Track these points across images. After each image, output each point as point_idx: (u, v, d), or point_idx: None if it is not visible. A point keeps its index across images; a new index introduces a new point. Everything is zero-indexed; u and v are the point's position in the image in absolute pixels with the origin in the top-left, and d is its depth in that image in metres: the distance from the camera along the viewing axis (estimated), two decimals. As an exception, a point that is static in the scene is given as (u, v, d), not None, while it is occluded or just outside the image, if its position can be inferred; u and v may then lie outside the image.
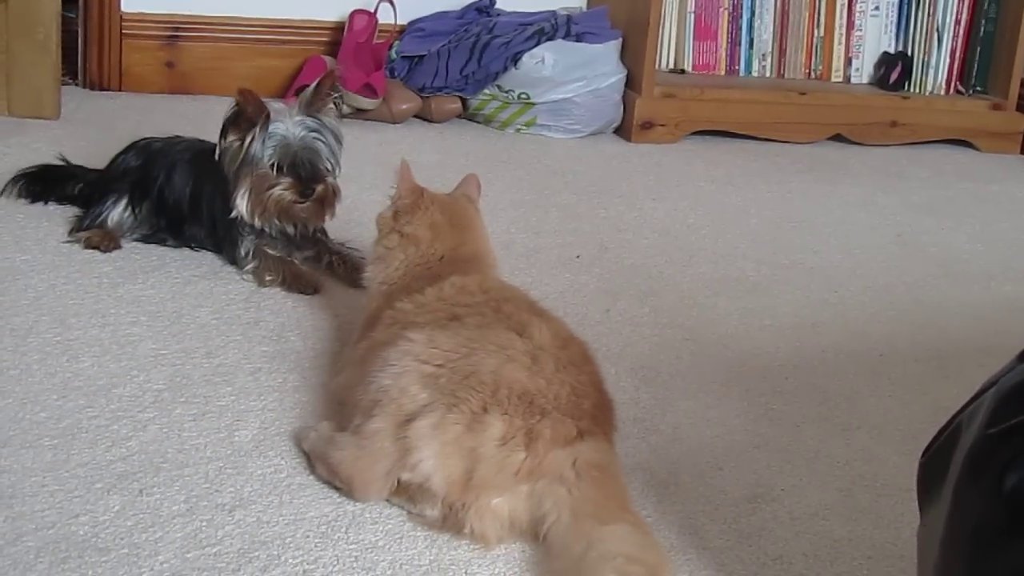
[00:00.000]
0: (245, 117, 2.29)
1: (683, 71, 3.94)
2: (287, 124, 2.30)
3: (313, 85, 2.35)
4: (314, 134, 2.32)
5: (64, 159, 2.70)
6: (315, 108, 2.33)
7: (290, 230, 2.36)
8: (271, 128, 2.28)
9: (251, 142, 2.28)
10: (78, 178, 2.64)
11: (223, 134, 2.32)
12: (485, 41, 3.61)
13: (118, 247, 2.42)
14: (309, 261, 2.42)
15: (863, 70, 4.10)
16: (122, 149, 2.56)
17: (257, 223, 2.33)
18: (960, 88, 4.13)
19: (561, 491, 1.57)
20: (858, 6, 4.05)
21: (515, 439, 1.57)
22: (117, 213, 2.46)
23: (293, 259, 2.39)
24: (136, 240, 2.47)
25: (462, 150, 3.43)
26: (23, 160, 2.86)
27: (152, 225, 2.47)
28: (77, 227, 2.47)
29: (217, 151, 2.33)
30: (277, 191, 2.29)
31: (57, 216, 2.55)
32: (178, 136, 2.56)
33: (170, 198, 2.44)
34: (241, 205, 2.31)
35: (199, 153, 2.46)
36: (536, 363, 1.64)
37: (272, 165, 2.29)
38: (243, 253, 2.36)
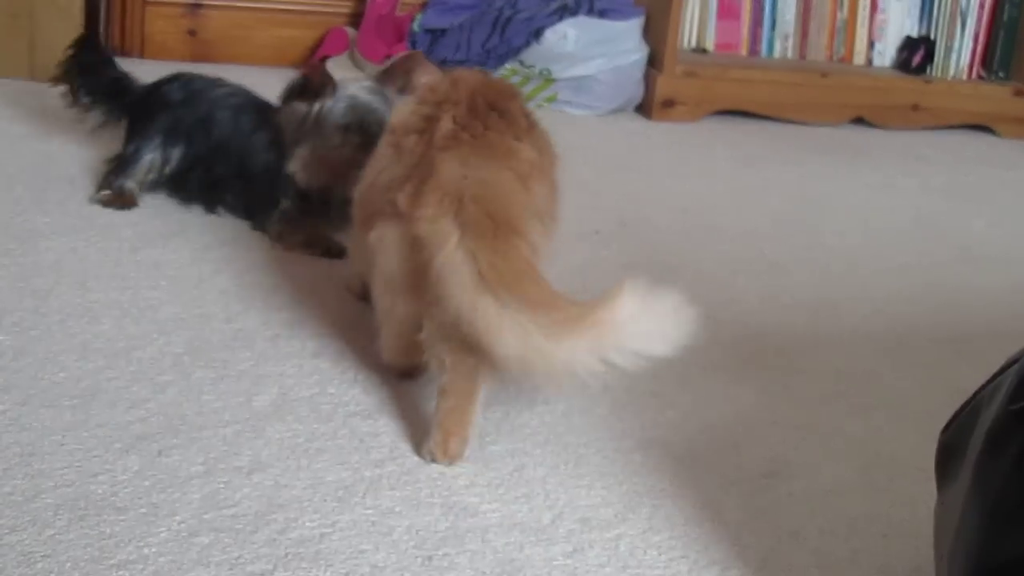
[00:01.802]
0: (310, 90, 2.30)
1: (705, 50, 3.93)
2: (356, 88, 2.32)
3: (394, 62, 2.37)
4: (379, 97, 2.33)
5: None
6: (385, 83, 2.34)
7: (336, 192, 2.36)
8: (342, 91, 2.30)
9: (320, 107, 2.29)
10: (124, 89, 2.62)
11: (286, 100, 2.34)
12: (508, 16, 3.60)
13: (135, 205, 2.43)
14: (334, 226, 2.41)
15: (886, 53, 4.09)
16: (166, 77, 2.56)
17: (310, 183, 2.33)
18: (982, 73, 4.11)
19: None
20: (882, -12, 4.04)
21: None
22: (147, 161, 2.47)
23: (319, 224, 2.39)
24: (161, 189, 2.49)
25: (482, 124, 3.42)
26: (45, 125, 2.87)
27: (181, 174, 2.48)
28: (105, 184, 2.48)
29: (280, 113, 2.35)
30: (345, 150, 2.29)
31: (78, 179, 2.56)
32: (221, 79, 2.56)
33: (205, 146, 2.45)
34: (297, 163, 2.31)
35: (244, 103, 2.49)
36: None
37: (341, 126, 2.29)
38: (277, 211, 2.37)
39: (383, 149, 1.81)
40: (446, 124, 1.72)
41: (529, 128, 1.81)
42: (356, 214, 1.89)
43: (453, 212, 1.60)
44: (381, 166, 1.78)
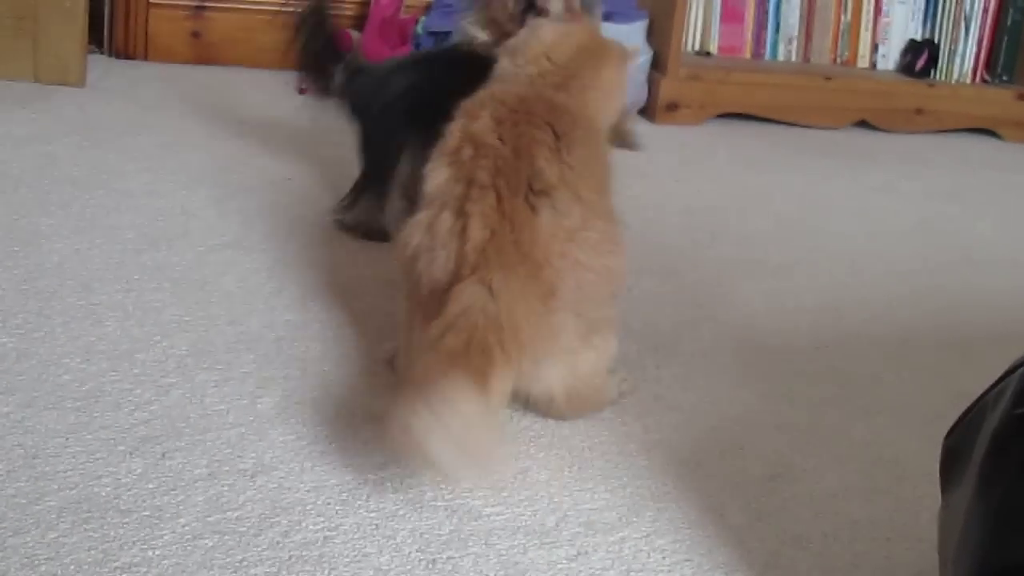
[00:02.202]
0: None
1: (709, 54, 3.93)
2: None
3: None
4: None
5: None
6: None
7: None
8: None
9: None
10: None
11: None
12: (511, 18, 3.60)
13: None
14: None
15: (889, 56, 4.09)
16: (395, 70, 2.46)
17: None
18: (986, 77, 4.11)
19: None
20: (886, -8, 4.04)
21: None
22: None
23: None
24: None
25: (486, 127, 3.42)
26: (49, 127, 2.87)
27: None
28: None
29: None
30: None
31: (82, 181, 2.56)
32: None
33: None
34: None
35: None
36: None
37: None
38: None
39: (422, 220, 1.78)
40: (477, 230, 1.70)
41: (561, 177, 1.77)
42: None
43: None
44: (419, 241, 1.76)
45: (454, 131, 1.79)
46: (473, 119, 1.80)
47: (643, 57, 3.66)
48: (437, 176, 1.77)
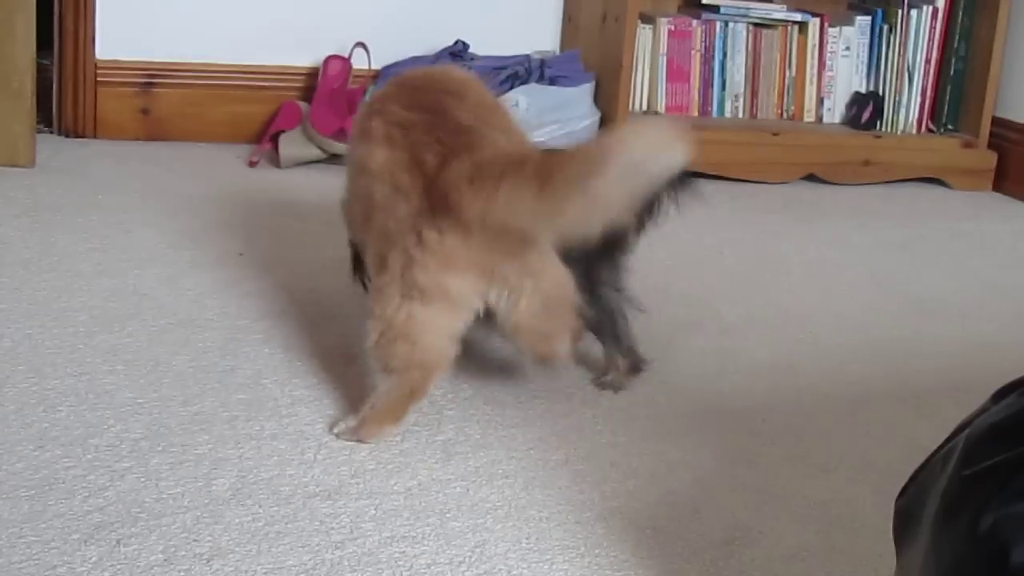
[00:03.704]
0: None
1: (656, 113, 3.96)
2: None
3: None
4: None
5: None
6: None
7: None
8: None
9: None
10: None
11: None
12: (459, 85, 3.62)
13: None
14: None
15: (835, 110, 4.14)
16: None
17: None
18: (931, 126, 4.17)
19: None
20: (829, 46, 4.09)
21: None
22: None
23: None
24: None
25: (438, 194, 3.43)
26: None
27: None
28: None
29: None
30: None
31: (33, 263, 2.55)
32: None
33: None
34: None
35: None
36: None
37: None
38: None
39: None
40: (431, 160, 1.90)
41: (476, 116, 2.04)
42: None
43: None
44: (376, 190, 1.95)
45: (375, 123, 1.99)
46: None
47: (590, 119, 3.69)
48: (377, 156, 1.95)
